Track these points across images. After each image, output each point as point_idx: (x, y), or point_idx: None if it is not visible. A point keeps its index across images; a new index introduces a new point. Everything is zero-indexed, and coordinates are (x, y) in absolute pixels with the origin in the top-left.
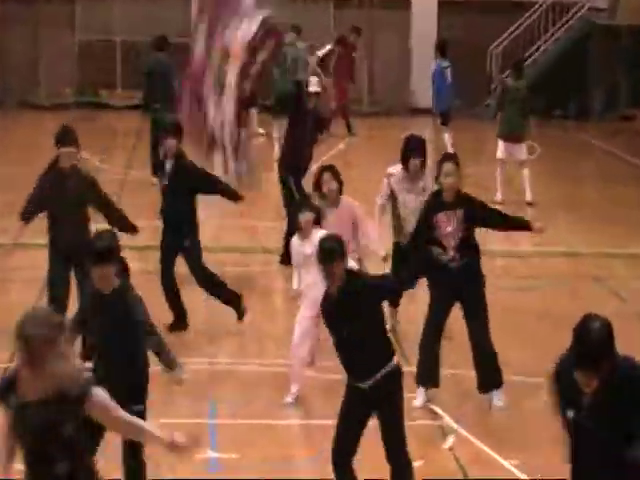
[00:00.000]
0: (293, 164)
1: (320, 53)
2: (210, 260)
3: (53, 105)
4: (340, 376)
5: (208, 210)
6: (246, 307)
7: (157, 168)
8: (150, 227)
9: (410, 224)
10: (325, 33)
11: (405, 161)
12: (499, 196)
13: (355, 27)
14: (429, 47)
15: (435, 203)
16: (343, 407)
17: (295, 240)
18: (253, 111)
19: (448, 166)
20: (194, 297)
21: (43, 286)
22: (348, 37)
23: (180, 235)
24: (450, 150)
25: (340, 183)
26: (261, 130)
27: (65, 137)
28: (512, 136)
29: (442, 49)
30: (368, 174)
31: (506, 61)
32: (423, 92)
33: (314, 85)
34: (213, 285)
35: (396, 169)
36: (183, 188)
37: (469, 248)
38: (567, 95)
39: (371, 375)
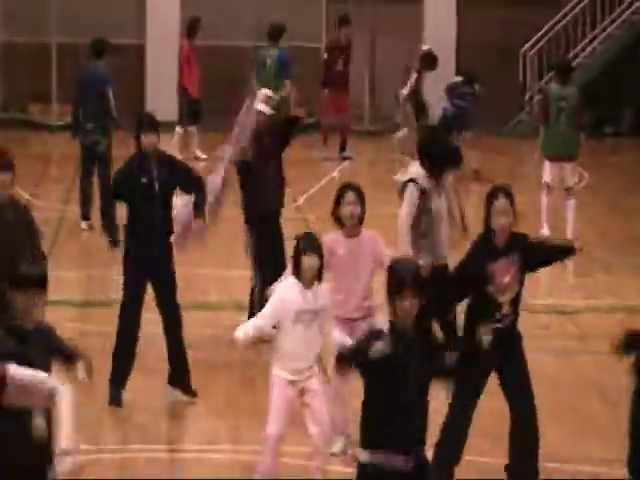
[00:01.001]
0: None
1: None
2: None
3: None
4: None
5: None
6: (196, 390)
7: (106, 209)
8: (86, 279)
9: (441, 236)
10: (316, 32)
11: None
12: (545, 230)
13: (343, 17)
14: (446, 50)
15: (486, 249)
16: None
17: (291, 286)
18: (192, 129)
19: (501, 203)
20: (150, 362)
21: None
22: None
23: (162, 261)
24: None
25: (364, 210)
26: (200, 153)
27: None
28: (561, 155)
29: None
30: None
31: (543, 65)
32: (438, 103)
33: (262, 101)
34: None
35: (413, 172)
36: (171, 191)
37: (519, 302)
38: (620, 107)
39: (415, 449)
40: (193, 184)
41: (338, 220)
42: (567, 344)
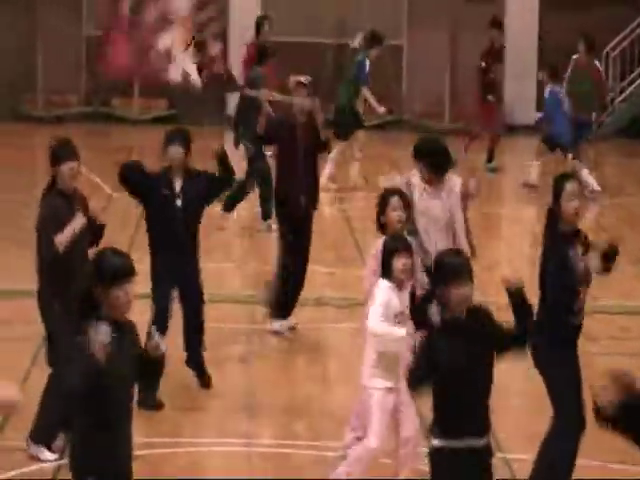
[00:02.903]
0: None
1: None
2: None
3: (53, 117)
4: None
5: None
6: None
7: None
8: None
9: (431, 240)
10: (397, 31)
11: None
12: None
13: (495, 19)
14: (528, 50)
15: (564, 238)
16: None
17: (389, 288)
18: None
19: (574, 187)
20: (227, 357)
21: (38, 347)
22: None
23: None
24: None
25: (408, 214)
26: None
27: (67, 150)
28: None
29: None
30: None
31: (626, 67)
32: (520, 105)
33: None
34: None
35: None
36: (196, 208)
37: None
38: None
39: (487, 430)
40: (214, 182)
41: (382, 227)
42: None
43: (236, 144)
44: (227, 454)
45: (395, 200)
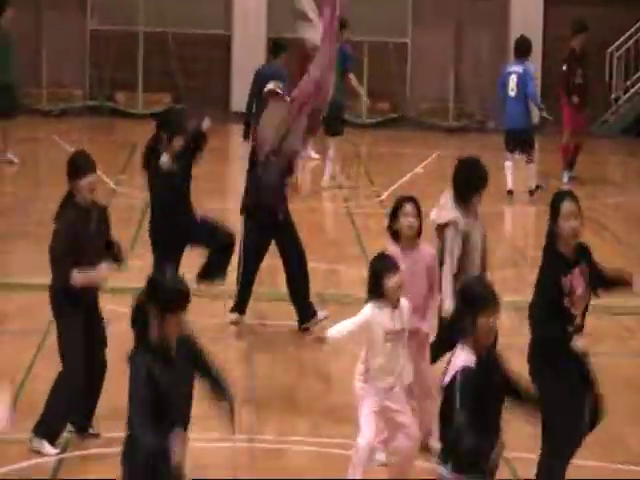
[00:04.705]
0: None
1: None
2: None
3: (57, 111)
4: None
5: None
6: None
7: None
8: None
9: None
10: (402, 28)
11: (471, 193)
12: None
13: (581, 24)
14: (533, 45)
15: (559, 259)
16: None
17: (374, 309)
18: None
19: (570, 206)
20: (226, 355)
21: (42, 340)
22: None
23: None
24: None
25: (421, 222)
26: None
27: (86, 163)
28: None
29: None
30: None
31: (630, 66)
32: None
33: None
34: None
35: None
36: None
37: (586, 313)
38: None
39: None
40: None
41: (394, 234)
42: None
43: (245, 136)
44: (229, 451)
45: (409, 206)
